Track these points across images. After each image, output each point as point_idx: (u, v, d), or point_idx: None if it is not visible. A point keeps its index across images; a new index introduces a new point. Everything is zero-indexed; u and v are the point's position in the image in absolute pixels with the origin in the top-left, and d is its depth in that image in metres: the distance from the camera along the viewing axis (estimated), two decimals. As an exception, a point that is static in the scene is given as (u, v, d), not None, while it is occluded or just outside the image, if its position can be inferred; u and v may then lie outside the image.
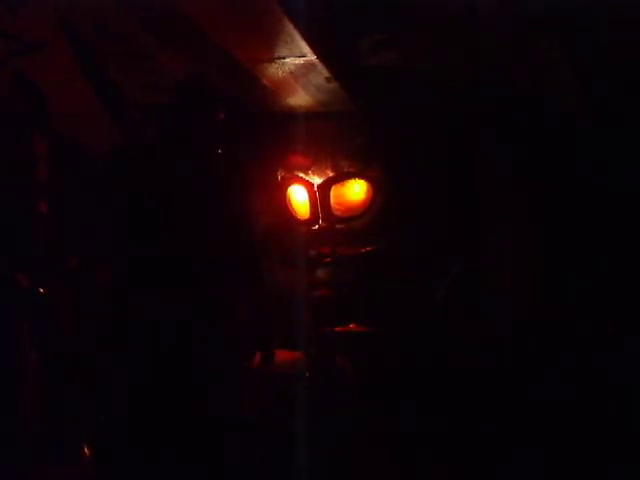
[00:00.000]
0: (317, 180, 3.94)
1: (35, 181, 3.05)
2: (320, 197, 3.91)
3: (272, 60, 3.15)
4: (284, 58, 3.12)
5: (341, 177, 3.90)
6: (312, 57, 3.08)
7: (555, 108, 3.49)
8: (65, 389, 3.13)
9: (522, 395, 3.24)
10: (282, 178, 4.06)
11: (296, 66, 3.21)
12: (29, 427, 2.98)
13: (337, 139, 3.92)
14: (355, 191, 3.90)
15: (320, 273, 3.89)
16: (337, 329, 3.53)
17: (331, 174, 3.92)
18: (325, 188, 3.90)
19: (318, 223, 3.95)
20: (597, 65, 3.10)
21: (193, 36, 2.97)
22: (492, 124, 3.58)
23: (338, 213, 3.91)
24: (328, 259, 3.88)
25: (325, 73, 3.29)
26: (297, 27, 2.77)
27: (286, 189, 4.04)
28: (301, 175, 3.98)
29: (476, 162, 3.64)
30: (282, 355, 3.47)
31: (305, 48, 2.98)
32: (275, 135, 3.97)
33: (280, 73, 3.31)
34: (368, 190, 3.86)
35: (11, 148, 2.96)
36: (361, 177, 3.88)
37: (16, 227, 2.98)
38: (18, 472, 2.84)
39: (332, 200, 3.90)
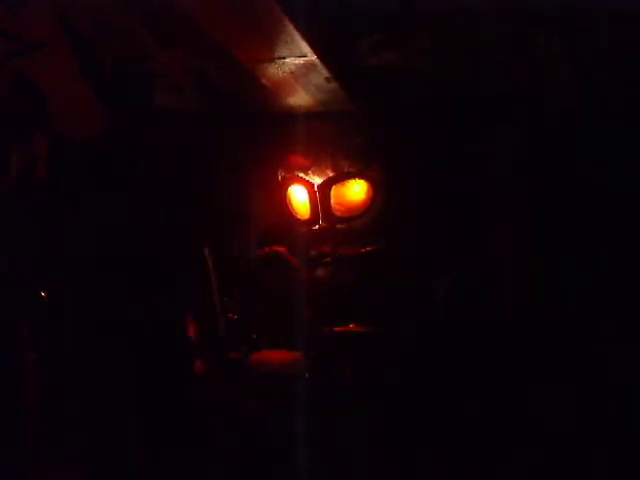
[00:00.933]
0: (317, 180, 3.94)
1: (35, 181, 3.04)
2: (320, 197, 3.90)
3: (272, 60, 3.14)
4: (284, 58, 3.11)
5: (341, 177, 3.90)
6: (312, 57, 3.07)
7: (555, 104, 3.48)
8: (65, 389, 3.12)
9: (522, 395, 3.24)
10: (282, 178, 4.05)
11: (296, 66, 3.21)
12: (29, 427, 2.98)
13: (337, 139, 3.92)
14: (355, 191, 3.89)
15: (320, 273, 3.89)
16: (337, 329, 3.52)
17: (331, 174, 3.92)
18: (325, 188, 3.90)
19: (318, 223, 3.94)
20: (597, 61, 3.09)
21: (193, 36, 2.96)
22: (492, 122, 3.57)
23: (338, 213, 3.91)
24: (328, 259, 3.87)
25: (325, 73, 3.29)
26: (297, 27, 2.76)
27: (286, 189, 4.04)
28: (301, 175, 3.98)
29: (476, 161, 3.64)
30: (282, 355, 3.48)
31: (305, 48, 2.97)
32: (275, 135, 3.96)
33: (280, 73, 3.30)
34: (368, 190, 3.86)
35: (11, 147, 2.96)
36: (361, 177, 3.87)
37: (16, 227, 2.97)
38: (18, 472, 2.84)
39: (332, 200, 3.90)
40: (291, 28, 2.77)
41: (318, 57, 3.08)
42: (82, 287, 2.92)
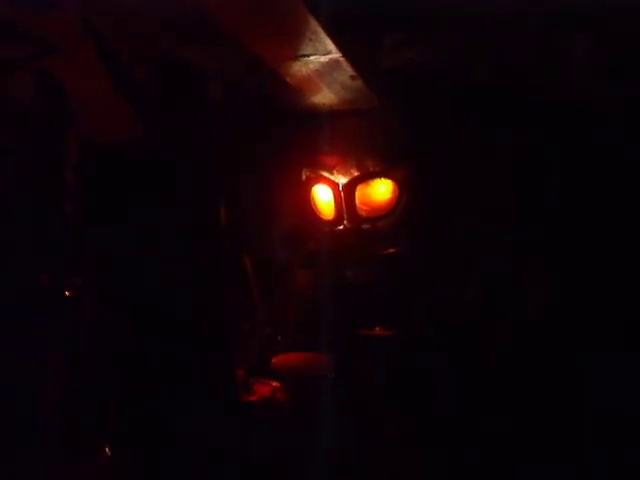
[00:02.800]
0: (342, 179, 3.88)
1: (61, 182, 3.05)
2: (345, 197, 3.85)
3: (296, 58, 3.11)
4: (309, 56, 3.08)
5: (366, 176, 3.84)
6: (337, 55, 3.03)
7: (584, 105, 3.38)
8: (87, 389, 3.13)
9: (556, 396, 3.16)
10: (306, 178, 4.01)
11: (321, 64, 3.17)
12: (50, 426, 2.99)
13: (362, 138, 3.85)
14: (380, 191, 3.83)
15: (345, 274, 3.83)
16: (362, 332, 3.48)
17: (356, 173, 3.86)
18: (350, 188, 3.85)
19: (343, 223, 3.89)
20: (624, 63, 3.01)
21: (216, 35, 2.93)
22: (521, 122, 3.48)
23: (363, 213, 3.85)
24: (353, 260, 3.81)
25: (350, 71, 3.24)
26: (322, 25, 2.72)
27: (310, 189, 3.99)
28: (325, 174, 3.93)
29: (505, 160, 3.54)
30: (307, 357, 3.45)
31: (330, 46, 2.94)
32: (299, 134, 3.92)
33: (304, 71, 3.26)
34: (394, 190, 3.79)
35: (37, 150, 2.97)
36: (386, 176, 3.81)
37: (43, 228, 2.98)
38: (39, 471, 2.85)
39: (357, 200, 3.84)
40: (316, 26, 2.73)
41: (343, 55, 3.03)
42: (115, 286, 2.95)
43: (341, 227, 3.90)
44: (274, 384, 3.30)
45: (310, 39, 2.87)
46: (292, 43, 2.93)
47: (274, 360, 3.39)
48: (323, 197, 3.95)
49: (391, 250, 3.74)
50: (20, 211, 2.89)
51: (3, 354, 2.90)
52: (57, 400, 3.08)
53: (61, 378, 3.12)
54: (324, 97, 3.66)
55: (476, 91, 3.45)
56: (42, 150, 2.97)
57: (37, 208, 2.94)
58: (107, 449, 2.96)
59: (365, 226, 3.85)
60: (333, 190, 3.88)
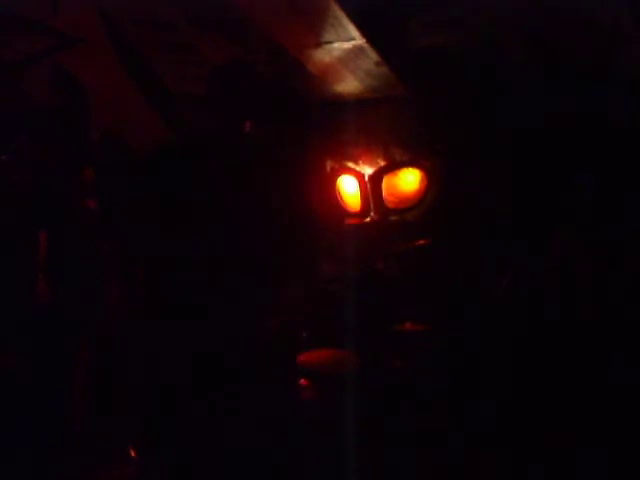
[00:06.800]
0: (368, 170, 3.78)
1: (83, 179, 3.05)
2: (371, 188, 3.75)
3: (318, 45, 3.03)
4: (331, 43, 3.00)
5: (393, 166, 3.73)
6: (360, 41, 2.95)
7: (624, 83, 3.20)
8: (114, 389, 3.13)
9: (590, 393, 3.04)
10: (331, 169, 3.93)
11: (344, 51, 3.09)
12: (77, 427, 3.00)
13: (388, 126, 3.75)
14: (408, 181, 3.71)
15: (372, 268, 3.74)
16: (392, 328, 3.40)
17: (382, 163, 3.75)
18: (376, 178, 3.75)
19: (369, 215, 3.79)
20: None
21: (235, 23, 2.89)
22: (557, 106, 3.33)
23: (390, 205, 3.75)
24: (380, 253, 3.71)
25: (374, 57, 3.15)
26: (344, 9, 2.65)
27: (335, 180, 3.90)
28: (351, 165, 3.84)
29: (541, 148, 3.40)
30: (332, 354, 3.39)
31: (353, 31, 2.86)
32: (323, 124, 3.84)
33: (327, 59, 3.19)
34: (422, 179, 3.67)
35: (57, 149, 2.97)
36: (414, 166, 3.70)
37: (65, 227, 2.99)
38: (65, 471, 2.86)
39: (384, 191, 3.73)
40: (337, 10, 2.65)
41: (367, 40, 2.95)
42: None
43: (368, 219, 3.80)
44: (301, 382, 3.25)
45: (332, 25, 2.79)
46: (313, 29, 2.86)
47: (300, 358, 3.33)
48: (348, 188, 3.86)
49: (420, 242, 3.63)
50: (39, 209, 2.89)
51: (34, 354, 2.94)
52: (84, 400, 3.10)
53: (91, 378, 3.13)
54: (348, 85, 3.57)
55: (507, 77, 3.32)
56: (60, 147, 2.96)
57: (56, 205, 2.94)
58: (132, 451, 2.95)
59: (393, 218, 3.74)
60: (359, 181, 3.79)
